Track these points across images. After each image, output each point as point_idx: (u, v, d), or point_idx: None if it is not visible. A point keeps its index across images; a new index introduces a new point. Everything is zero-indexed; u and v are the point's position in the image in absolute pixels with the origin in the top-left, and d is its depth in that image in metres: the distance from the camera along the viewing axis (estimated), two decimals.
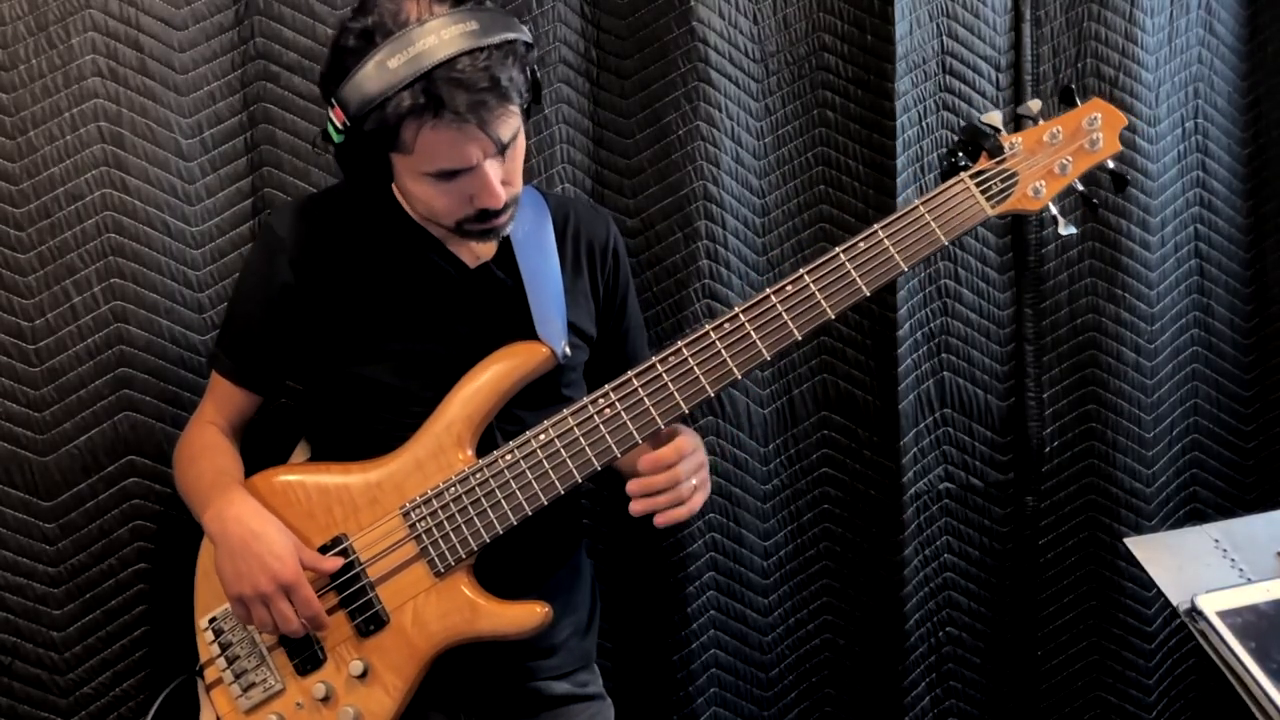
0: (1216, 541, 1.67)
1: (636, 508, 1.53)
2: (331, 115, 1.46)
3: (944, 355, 2.18)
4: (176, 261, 1.87)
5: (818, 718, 2.19)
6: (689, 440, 1.56)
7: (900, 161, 2.09)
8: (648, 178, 2.06)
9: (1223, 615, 1.51)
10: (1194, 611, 1.52)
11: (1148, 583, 1.94)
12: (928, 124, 2.12)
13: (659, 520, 1.52)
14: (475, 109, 1.41)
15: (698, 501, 1.55)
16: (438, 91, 1.39)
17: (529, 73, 1.49)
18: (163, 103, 1.86)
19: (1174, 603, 1.56)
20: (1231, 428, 2.33)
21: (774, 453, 2.13)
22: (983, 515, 2.22)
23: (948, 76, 2.13)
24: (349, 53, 1.43)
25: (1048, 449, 2.23)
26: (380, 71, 1.40)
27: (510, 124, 1.47)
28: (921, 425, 2.16)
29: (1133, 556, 1.67)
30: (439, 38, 1.39)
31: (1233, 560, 1.65)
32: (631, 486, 1.53)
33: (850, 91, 2.10)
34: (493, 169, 1.48)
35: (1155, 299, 2.24)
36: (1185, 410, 2.29)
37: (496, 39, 1.42)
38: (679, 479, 1.52)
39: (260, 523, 1.54)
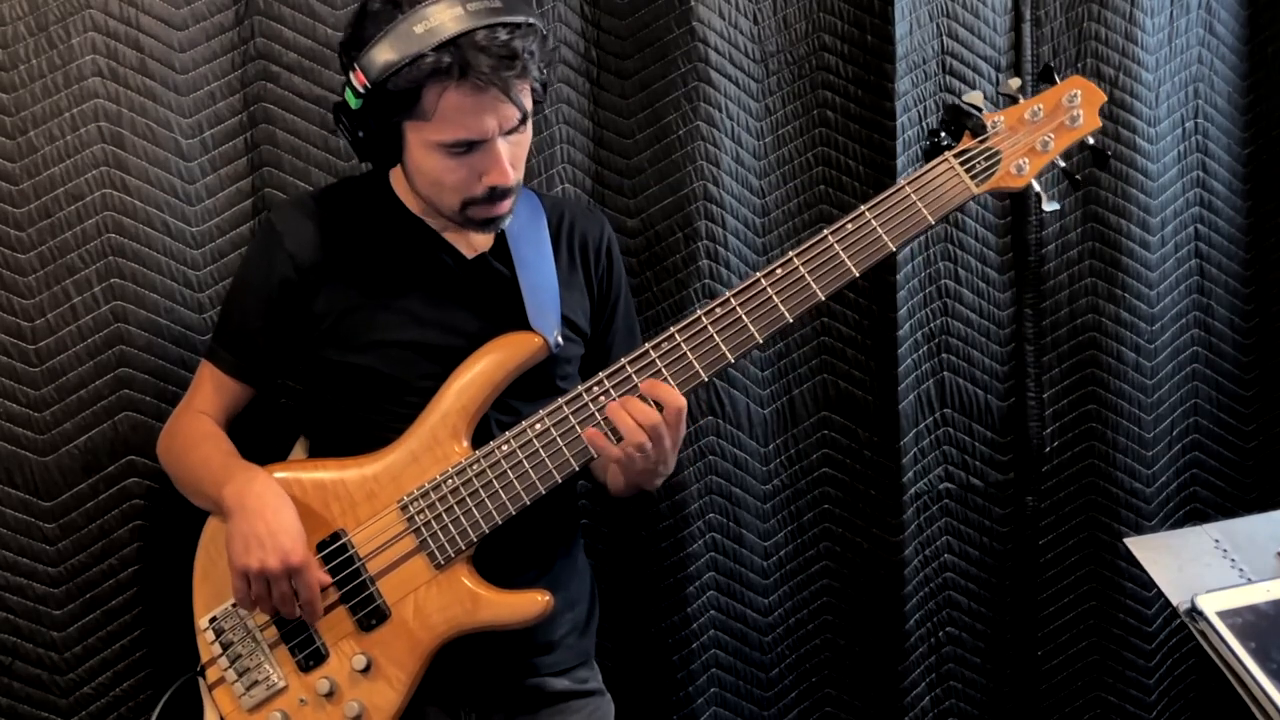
0: (1216, 541, 1.67)
1: (612, 410, 1.52)
2: (352, 79, 1.49)
3: (944, 355, 2.18)
4: (176, 261, 1.88)
5: (818, 718, 2.19)
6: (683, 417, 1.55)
7: (900, 161, 2.08)
8: (648, 178, 2.06)
9: (1223, 615, 1.51)
10: (1194, 611, 1.52)
11: (1148, 583, 1.94)
12: (928, 124, 2.12)
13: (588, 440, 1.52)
14: (497, 73, 1.45)
15: (654, 474, 1.56)
16: (463, 56, 1.44)
17: (543, 63, 1.53)
18: (163, 103, 1.86)
19: (1174, 603, 1.56)
20: (1231, 428, 2.33)
21: (774, 453, 2.13)
22: (983, 515, 2.22)
23: (948, 76, 2.13)
24: (373, 19, 1.48)
25: (1048, 449, 2.23)
26: (405, 36, 1.45)
27: (527, 98, 1.52)
28: (921, 425, 2.16)
29: (1133, 556, 1.67)
30: (464, 9, 1.45)
31: (1233, 560, 1.64)
32: (614, 406, 1.52)
33: (850, 91, 2.10)
34: (504, 147, 1.51)
35: (1155, 299, 2.23)
36: (1185, 410, 2.29)
37: (519, 19, 1.48)
38: (658, 426, 1.51)
39: (280, 503, 1.54)
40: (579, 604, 1.73)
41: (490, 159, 1.52)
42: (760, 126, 2.10)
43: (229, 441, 1.65)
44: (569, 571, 1.72)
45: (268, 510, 1.53)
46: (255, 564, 1.51)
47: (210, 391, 1.68)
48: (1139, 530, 2.23)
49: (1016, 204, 2.18)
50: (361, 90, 1.48)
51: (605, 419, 1.53)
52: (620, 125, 2.06)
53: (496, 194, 1.55)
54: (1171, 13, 2.22)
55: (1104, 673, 2.27)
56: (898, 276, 2.10)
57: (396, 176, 1.66)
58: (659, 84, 2.04)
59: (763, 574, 2.14)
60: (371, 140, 1.54)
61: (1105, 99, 1.61)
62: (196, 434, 1.66)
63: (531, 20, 1.50)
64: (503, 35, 1.46)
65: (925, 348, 2.16)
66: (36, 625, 1.82)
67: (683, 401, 1.53)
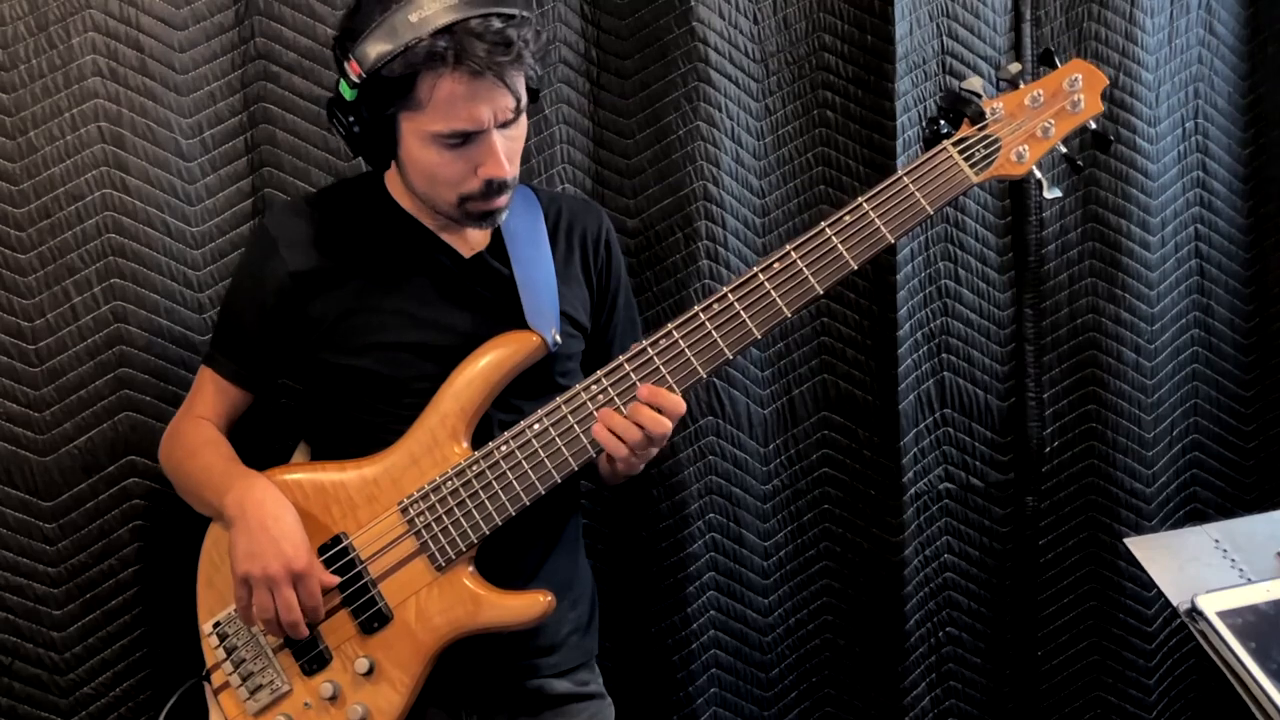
0: (1216, 541, 1.67)
1: (603, 412, 1.53)
2: (347, 69, 1.49)
3: (944, 355, 2.18)
4: (176, 261, 1.88)
5: (818, 718, 2.19)
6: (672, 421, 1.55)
7: (900, 162, 2.08)
8: (648, 178, 2.06)
9: (1223, 615, 1.51)
10: (1194, 611, 1.52)
11: (1148, 583, 1.94)
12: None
13: (596, 433, 1.53)
14: (492, 59, 1.45)
15: (635, 463, 1.56)
16: (458, 42, 1.44)
17: (537, 56, 1.53)
18: (163, 103, 1.87)
19: (1174, 603, 1.56)
20: (1231, 428, 2.33)
21: (774, 453, 2.13)
22: (983, 515, 2.22)
23: (948, 76, 2.13)
24: (367, 10, 1.48)
25: (1048, 449, 2.23)
26: (400, 25, 1.45)
27: (521, 88, 1.52)
28: (921, 425, 2.16)
29: (1133, 556, 1.67)
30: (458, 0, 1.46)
31: (1233, 560, 1.64)
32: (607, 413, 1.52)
33: (850, 91, 2.10)
34: (499, 140, 1.51)
35: (1155, 299, 2.23)
36: (1185, 410, 2.29)
37: (513, 10, 1.49)
38: (661, 428, 1.52)
39: (281, 509, 1.54)
40: (581, 605, 1.73)
41: (485, 151, 1.51)
42: (760, 126, 2.10)
43: (229, 447, 1.65)
44: (571, 571, 1.72)
45: (269, 517, 1.53)
46: (258, 571, 1.51)
47: (210, 396, 1.68)
48: (1139, 530, 2.23)
49: (1017, 203, 2.18)
50: (356, 80, 1.48)
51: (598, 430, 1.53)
52: (620, 125, 2.06)
53: (493, 188, 1.54)
54: (1171, 13, 2.22)
55: (1104, 673, 2.27)
56: (898, 276, 2.10)
57: (392, 177, 1.65)
58: (659, 84, 2.04)
59: (763, 574, 2.14)
60: (366, 134, 1.54)
61: (1107, 82, 1.58)
62: (197, 440, 1.66)
63: (525, 13, 1.50)
64: (497, 24, 1.46)
65: (925, 348, 2.16)
66: (36, 625, 1.83)
67: (683, 406, 1.54)
